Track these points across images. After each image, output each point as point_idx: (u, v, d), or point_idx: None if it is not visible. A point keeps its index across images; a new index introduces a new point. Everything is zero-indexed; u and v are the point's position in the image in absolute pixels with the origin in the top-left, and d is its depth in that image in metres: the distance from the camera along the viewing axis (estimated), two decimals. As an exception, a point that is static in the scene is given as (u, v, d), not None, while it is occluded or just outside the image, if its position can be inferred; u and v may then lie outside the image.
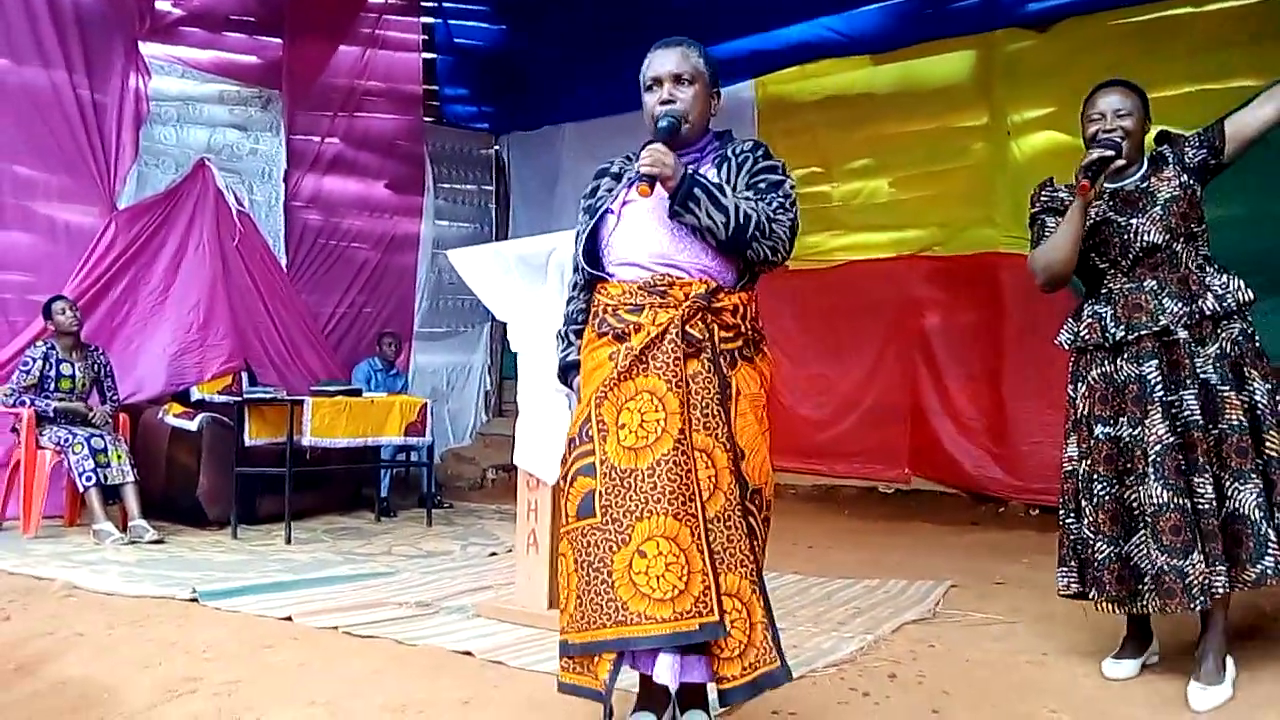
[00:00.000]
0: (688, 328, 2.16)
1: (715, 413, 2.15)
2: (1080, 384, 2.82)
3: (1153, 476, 2.59)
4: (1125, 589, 2.67)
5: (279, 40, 7.55)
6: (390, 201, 8.37)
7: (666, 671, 2.06)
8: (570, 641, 2.13)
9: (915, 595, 3.91)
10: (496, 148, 9.19)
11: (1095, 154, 2.66)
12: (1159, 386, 2.65)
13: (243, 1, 7.47)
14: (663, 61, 2.30)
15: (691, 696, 2.25)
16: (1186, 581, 2.52)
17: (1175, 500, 2.55)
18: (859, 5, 6.96)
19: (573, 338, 2.42)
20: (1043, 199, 2.92)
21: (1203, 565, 2.52)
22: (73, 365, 5.56)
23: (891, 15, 6.88)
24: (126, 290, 6.36)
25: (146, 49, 6.76)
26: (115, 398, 5.73)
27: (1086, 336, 2.79)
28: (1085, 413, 2.79)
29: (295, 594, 3.93)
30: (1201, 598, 2.51)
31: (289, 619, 3.48)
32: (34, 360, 5.45)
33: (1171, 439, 2.60)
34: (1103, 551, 2.69)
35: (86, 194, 6.42)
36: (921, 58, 6.71)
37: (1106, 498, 2.70)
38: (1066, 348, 2.86)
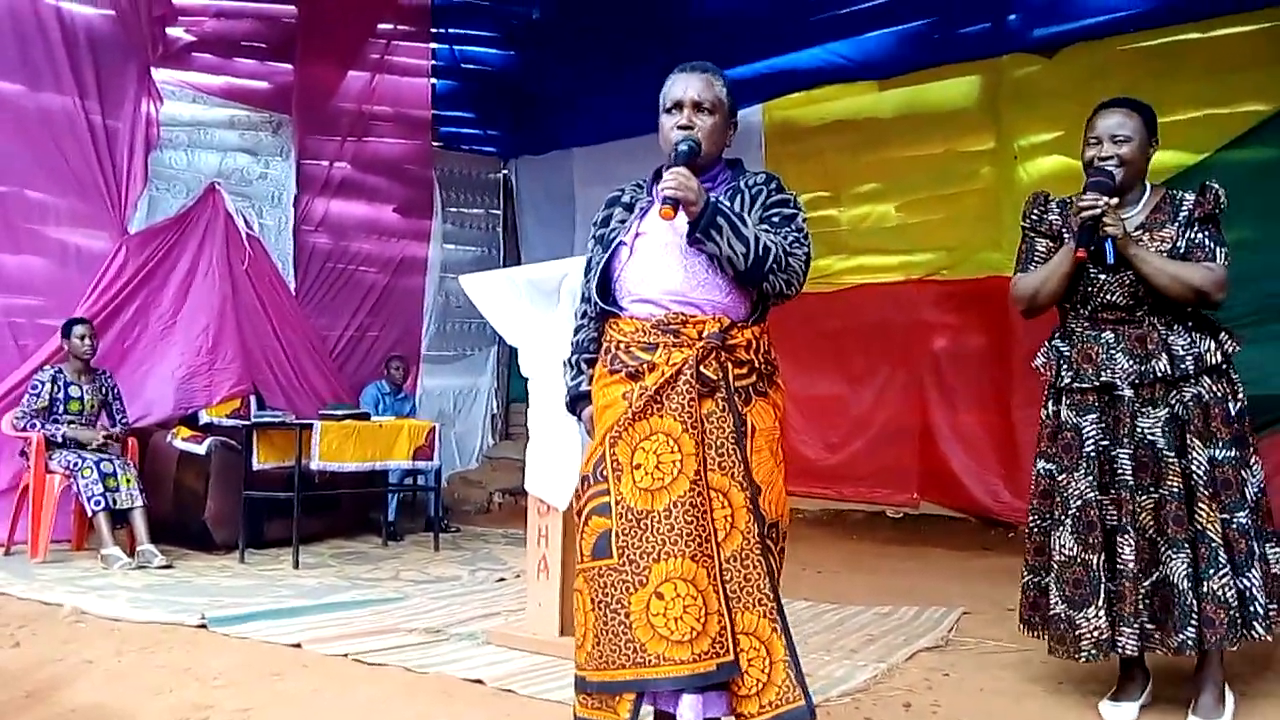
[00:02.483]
0: (702, 368, 2.15)
1: (731, 452, 2.14)
2: (1044, 410, 2.82)
3: (1068, 526, 2.65)
4: (1038, 615, 2.74)
5: (289, 65, 7.61)
6: (398, 225, 8.40)
7: (690, 711, 2.06)
8: (588, 679, 2.12)
9: (928, 622, 3.89)
10: (505, 172, 9.23)
11: (1085, 212, 2.56)
12: (1090, 440, 2.65)
13: (254, 27, 7.55)
14: (686, 86, 2.29)
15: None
16: (1077, 633, 2.60)
17: (1082, 555, 2.61)
18: (866, 31, 6.99)
19: (584, 366, 2.41)
20: (1033, 217, 2.86)
21: (1101, 621, 2.56)
22: (81, 388, 5.58)
23: (898, 41, 6.92)
24: (136, 314, 6.39)
25: (158, 74, 6.81)
26: (125, 420, 5.74)
27: (1043, 368, 2.80)
28: (1038, 444, 2.82)
29: (305, 620, 3.92)
30: (1093, 651, 2.56)
31: (299, 645, 3.47)
32: (43, 384, 5.47)
33: (1092, 494, 2.61)
34: (1024, 578, 2.79)
35: (98, 218, 6.45)
36: (928, 83, 6.74)
37: (1035, 530, 2.76)
38: (1040, 372, 2.83)
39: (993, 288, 6.26)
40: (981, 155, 6.57)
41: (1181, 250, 2.63)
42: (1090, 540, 2.61)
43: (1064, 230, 2.78)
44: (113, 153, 6.52)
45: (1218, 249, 2.63)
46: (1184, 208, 2.69)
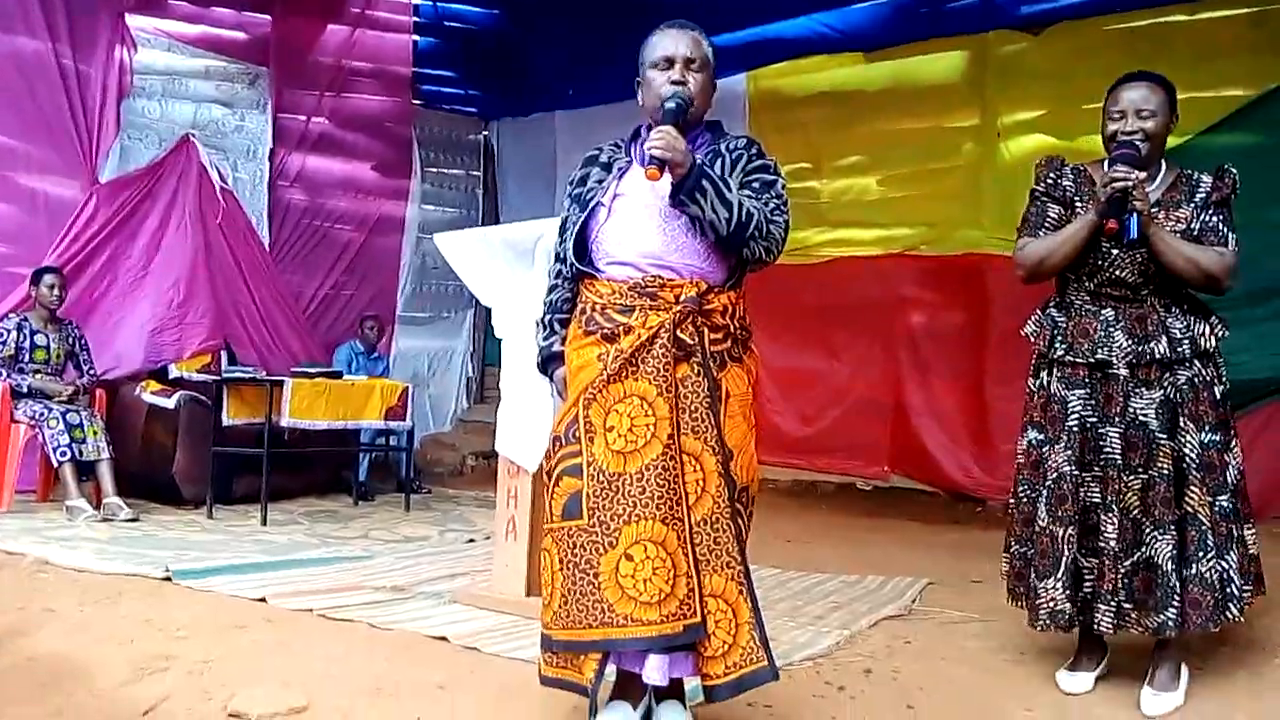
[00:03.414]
0: (678, 332, 2.14)
1: (704, 417, 2.14)
2: (1034, 380, 2.81)
3: (1044, 498, 2.67)
4: (1022, 585, 2.76)
5: (267, 16, 7.45)
6: (376, 184, 8.30)
7: (655, 672, 2.09)
8: (554, 638, 2.13)
9: (893, 592, 3.92)
10: (486, 133, 9.13)
11: (1118, 183, 2.49)
12: (1075, 415, 2.64)
13: (232, -25, 7.39)
14: (675, 42, 2.26)
15: (668, 688, 2.24)
16: (1037, 601, 2.64)
17: (1051, 527, 2.63)
18: (854, 2, 6.93)
19: (556, 327, 2.39)
20: (1049, 180, 2.79)
21: (1058, 593, 2.60)
22: (47, 338, 5.50)
23: (886, 13, 6.86)
24: (106, 265, 6.28)
25: (133, 21, 6.68)
26: (92, 372, 5.67)
27: (1035, 337, 2.78)
28: (1025, 415, 2.81)
29: (270, 575, 3.90)
30: (1047, 621, 2.62)
31: (263, 600, 3.45)
32: (8, 332, 5.39)
33: (1069, 469, 2.62)
34: (1011, 548, 2.80)
35: (68, 166, 6.32)
36: (914, 56, 6.70)
37: (1024, 500, 2.76)
38: (1030, 341, 2.82)
39: (971, 265, 6.30)
40: (965, 131, 6.55)
41: (1195, 232, 2.61)
42: (1060, 514, 2.63)
43: (1076, 198, 2.72)
44: (84, 99, 6.38)
45: (1230, 234, 2.61)
46: (1201, 189, 2.66)
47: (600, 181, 2.33)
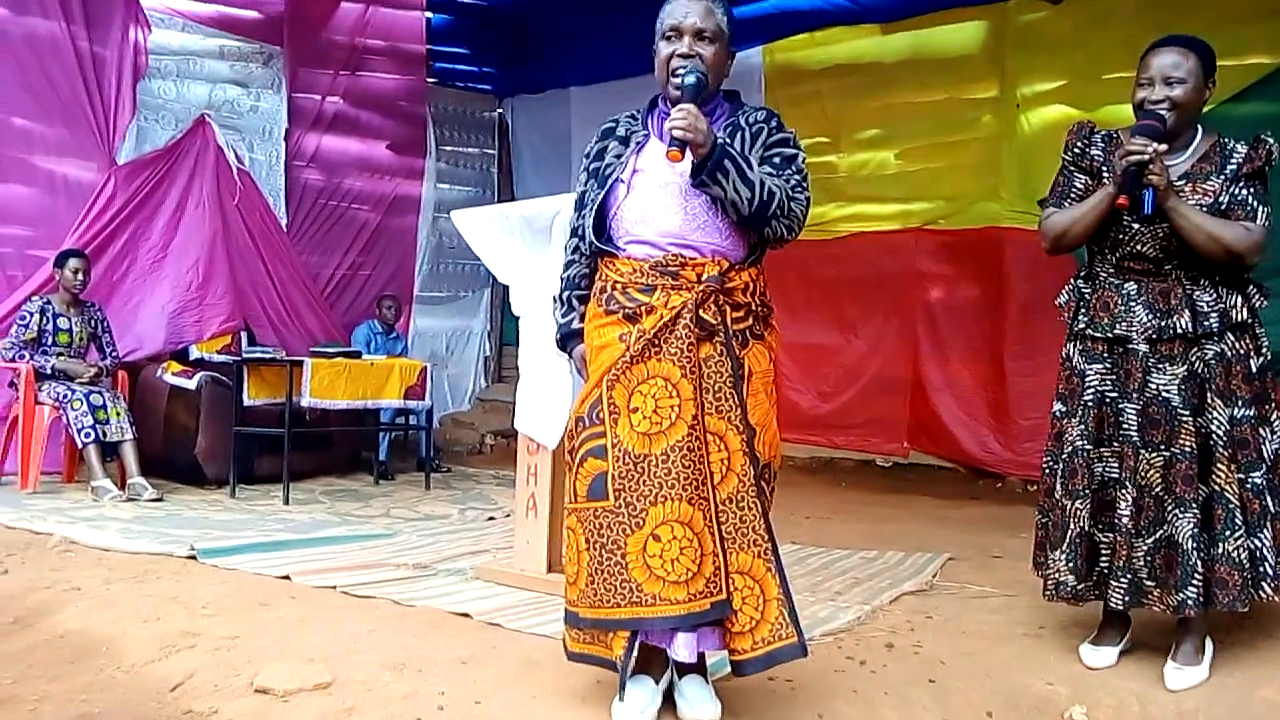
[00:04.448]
0: (701, 311, 2.13)
1: (728, 395, 2.14)
2: (1064, 351, 2.76)
3: (1060, 472, 2.66)
4: (1042, 555, 2.77)
5: (281, -5, 7.45)
6: (391, 163, 8.29)
7: (684, 649, 2.11)
8: (582, 615, 2.15)
9: (913, 567, 3.92)
10: (500, 110, 9.10)
11: (1133, 156, 2.43)
12: (1091, 389, 2.62)
13: (245, -45, 7.37)
14: (686, 12, 2.20)
15: (691, 662, 2.25)
16: (1046, 572, 2.68)
17: (1064, 500, 2.63)
18: (871, -28, 6.86)
19: (575, 304, 2.37)
20: (1076, 149, 2.72)
21: (1061, 564, 2.61)
22: (70, 320, 5.54)
23: (903, -18, 6.78)
24: (126, 247, 6.32)
25: (146, 1, 6.67)
26: (114, 354, 5.71)
27: (1064, 308, 2.75)
28: (1057, 386, 2.78)
29: (293, 553, 3.93)
30: (1052, 591, 2.65)
31: (287, 578, 3.48)
32: (31, 315, 5.43)
33: (1082, 442, 2.60)
34: (1036, 518, 2.82)
35: (85, 148, 6.35)
36: (932, 27, 6.62)
37: (1048, 472, 2.76)
38: (1060, 311, 2.78)
39: (990, 238, 6.26)
40: (984, 103, 6.48)
41: (1223, 205, 2.53)
42: (1071, 487, 2.62)
43: (1104, 168, 2.66)
44: (100, 81, 6.40)
45: (1260, 209, 2.52)
46: (1233, 160, 2.57)
47: (619, 156, 2.29)
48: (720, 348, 2.16)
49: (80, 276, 5.52)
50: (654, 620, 2.06)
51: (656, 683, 2.25)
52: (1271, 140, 2.58)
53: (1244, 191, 2.55)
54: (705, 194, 2.13)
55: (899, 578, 3.71)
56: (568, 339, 2.41)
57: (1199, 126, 2.63)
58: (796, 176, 2.22)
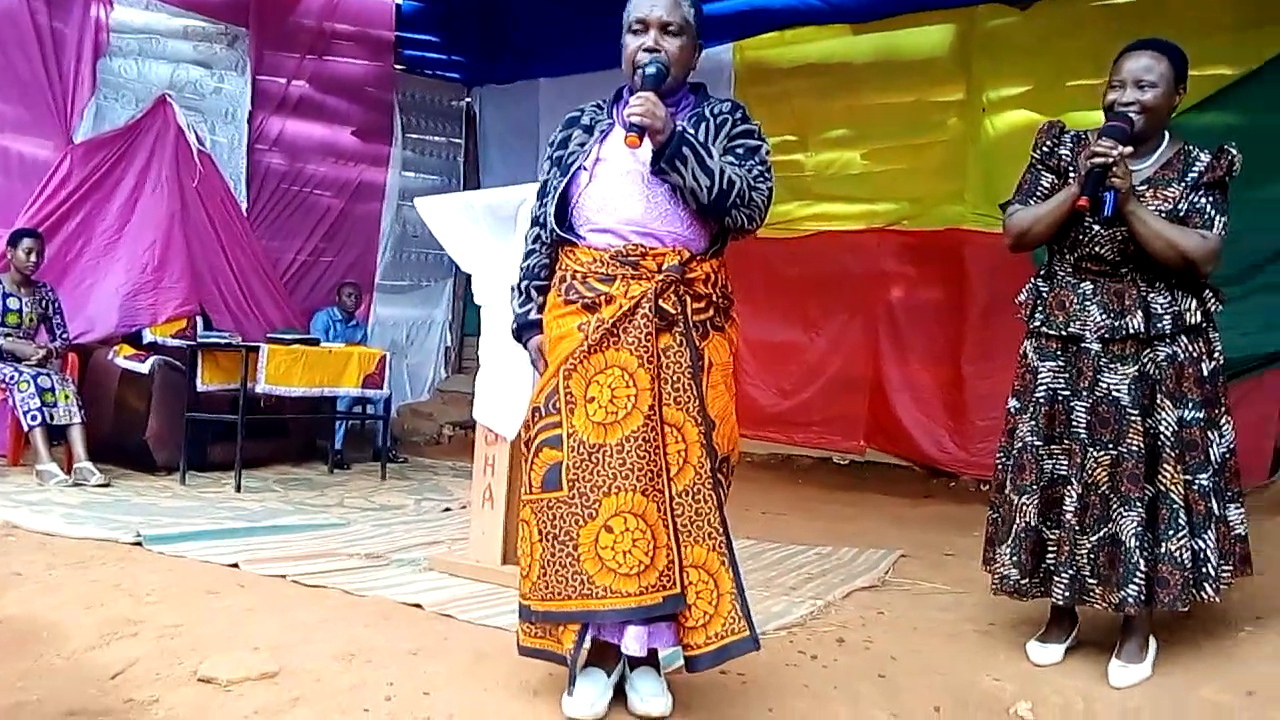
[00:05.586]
0: (660, 301, 2.12)
1: (687, 387, 2.13)
2: (1021, 348, 2.79)
3: (1009, 467, 2.71)
4: (992, 551, 2.81)
5: (247, -24, 7.33)
6: (356, 149, 8.19)
7: (635, 642, 2.09)
8: (533, 609, 2.13)
9: (866, 563, 3.94)
10: (468, 100, 9.02)
11: (1097, 158, 2.45)
12: (1043, 386, 2.65)
13: (211, -66, 7.24)
14: (652, 5, 2.21)
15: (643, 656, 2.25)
16: (992, 567, 2.75)
17: (1012, 495, 2.67)
18: (842, -27, 6.88)
19: (534, 294, 2.35)
20: (1045, 147, 2.74)
21: (1006, 559, 2.66)
22: (20, 300, 5.41)
23: (874, -17, 6.81)
24: (80, 227, 6.17)
25: (108, -23, 6.54)
26: (65, 335, 5.59)
27: (1021, 306, 2.78)
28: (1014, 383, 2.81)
29: (243, 541, 3.87)
30: (996, 586, 2.70)
31: (235, 566, 3.43)
32: (-20, 294, 5.30)
33: (1031, 439, 2.64)
34: (988, 514, 2.86)
35: (42, 125, 6.21)
36: (902, 29, 6.66)
37: (999, 467, 2.80)
38: (1018, 308, 2.81)
39: (953, 240, 6.31)
40: (950, 106, 6.53)
41: (1182, 212, 2.55)
42: (1019, 482, 2.65)
43: (1071, 167, 2.67)
44: (59, 58, 6.25)
45: (1218, 218, 2.55)
46: (1195, 168, 2.59)
47: (582, 144, 2.29)
48: (680, 338, 2.15)
49: (33, 257, 5.40)
50: (604, 613, 2.05)
51: (609, 675, 2.24)
52: (1235, 151, 2.60)
53: (1203, 200, 2.57)
54: (665, 182, 2.12)
55: (852, 574, 3.73)
56: (525, 329, 2.39)
57: (1166, 133, 2.65)
58: (760, 167, 2.22)
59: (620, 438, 2.06)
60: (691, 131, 2.16)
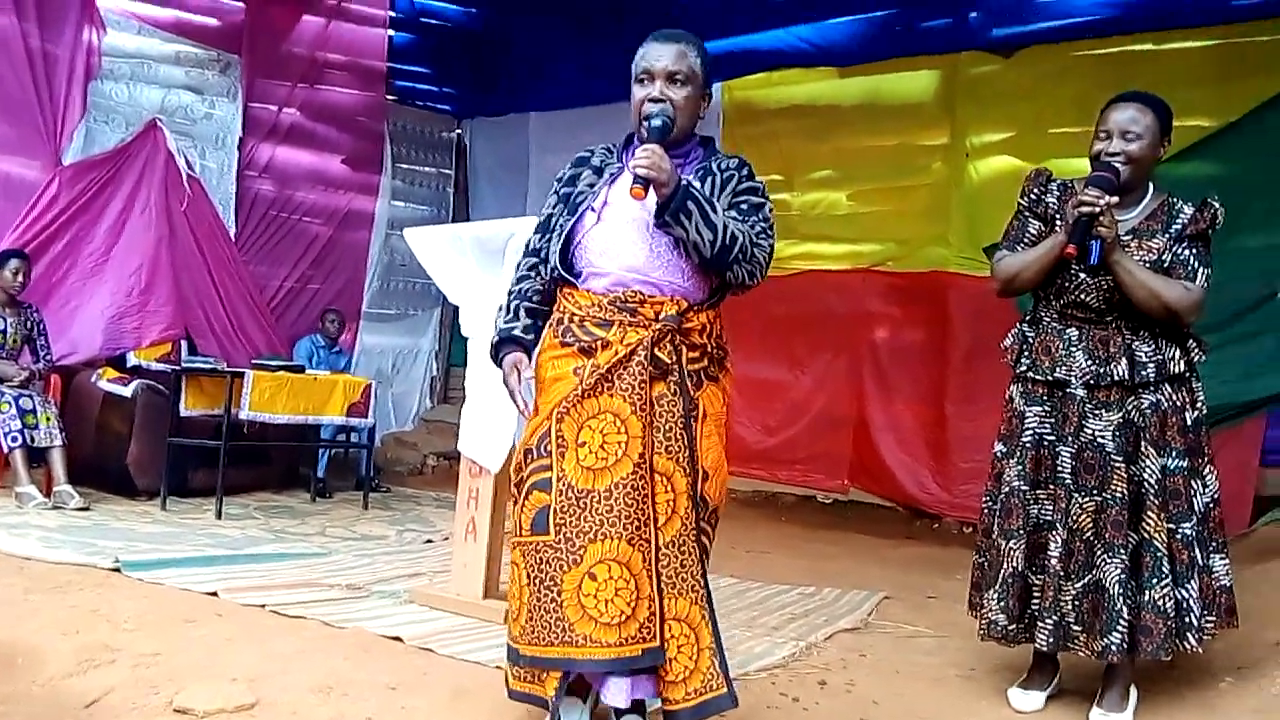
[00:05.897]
0: (656, 350, 2.13)
1: (679, 436, 2.14)
2: (1008, 393, 2.82)
3: (996, 511, 2.73)
4: (978, 596, 2.83)
5: (241, 4, 7.37)
6: (346, 177, 8.20)
7: (619, 695, 2.10)
8: (521, 653, 2.13)
9: (849, 604, 3.94)
10: (459, 131, 9.08)
11: (1084, 207, 2.48)
12: (1029, 431, 2.68)
13: (206, -40, 7.30)
14: (658, 55, 2.22)
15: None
16: (979, 612, 2.76)
17: (999, 540, 2.69)
18: (830, 16, 6.99)
19: (521, 313, 2.32)
20: (1032, 195, 2.78)
21: (994, 604, 2.67)
22: (5, 321, 5.38)
23: (861, 29, 6.91)
24: (67, 248, 6.14)
25: (102, 2, 6.55)
26: (48, 357, 5.55)
27: (1007, 350, 2.81)
28: (1000, 428, 2.83)
29: (223, 569, 3.84)
30: (983, 632, 2.70)
31: (215, 594, 3.40)
32: (-36, 314, 5.27)
33: (1018, 483, 2.66)
34: (974, 558, 2.87)
35: (31, 147, 6.19)
36: (888, 73, 6.76)
37: (986, 512, 2.82)
38: (1004, 353, 2.84)
39: (936, 283, 6.36)
40: (935, 150, 6.61)
41: (1166, 264, 2.60)
42: (1006, 527, 2.67)
43: (1057, 215, 2.72)
44: (50, 80, 6.26)
45: (1201, 270, 2.60)
46: (1179, 220, 2.64)
47: (591, 185, 2.30)
48: (674, 387, 2.16)
49: (20, 278, 5.37)
50: (583, 662, 2.05)
51: (584, 701, 2.25)
52: (1218, 204, 2.65)
53: (1187, 252, 2.62)
54: (668, 234, 2.14)
55: (835, 615, 3.73)
56: (504, 343, 2.33)
57: (1150, 184, 2.70)
58: (762, 224, 2.25)
59: (609, 484, 2.06)
60: (697, 185, 2.17)
